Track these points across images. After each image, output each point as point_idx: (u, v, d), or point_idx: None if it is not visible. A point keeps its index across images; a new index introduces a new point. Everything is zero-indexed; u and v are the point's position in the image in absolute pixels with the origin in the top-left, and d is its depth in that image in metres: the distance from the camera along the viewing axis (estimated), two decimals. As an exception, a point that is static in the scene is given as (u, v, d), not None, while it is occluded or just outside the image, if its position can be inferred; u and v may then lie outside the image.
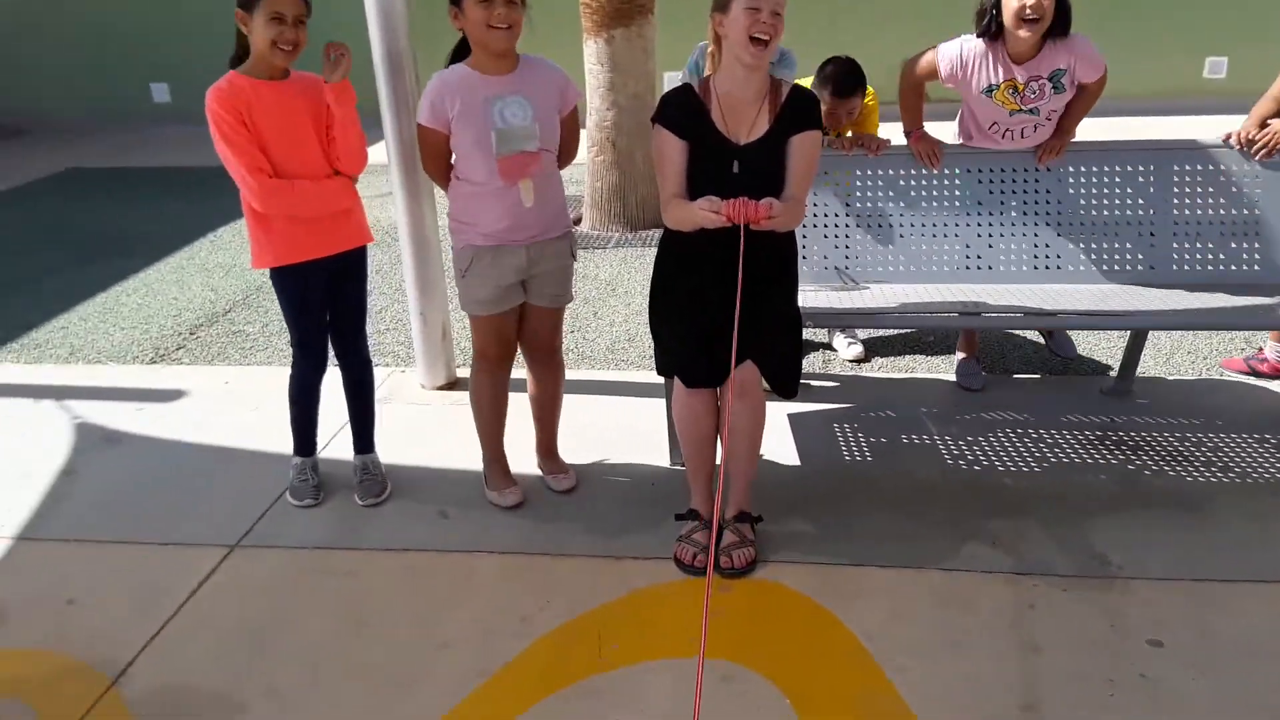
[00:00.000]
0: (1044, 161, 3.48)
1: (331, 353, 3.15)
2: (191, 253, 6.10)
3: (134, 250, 6.14)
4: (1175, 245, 3.51)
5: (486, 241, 2.90)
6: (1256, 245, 3.47)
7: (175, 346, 4.68)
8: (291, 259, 2.91)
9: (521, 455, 3.30)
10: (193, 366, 4.41)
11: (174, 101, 10.41)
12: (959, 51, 3.38)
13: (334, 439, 3.53)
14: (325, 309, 3.07)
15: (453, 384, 4.06)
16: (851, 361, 4.22)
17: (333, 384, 3.21)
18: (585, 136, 6.11)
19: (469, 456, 3.38)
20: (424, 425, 3.75)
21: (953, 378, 3.94)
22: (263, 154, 2.78)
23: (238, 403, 3.94)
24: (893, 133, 3.67)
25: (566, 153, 3.03)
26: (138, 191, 7.65)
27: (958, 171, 3.57)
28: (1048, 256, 3.57)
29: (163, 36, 10.11)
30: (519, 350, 3.16)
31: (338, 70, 2.80)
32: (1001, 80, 3.33)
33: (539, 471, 3.30)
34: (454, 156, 2.89)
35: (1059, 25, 3.22)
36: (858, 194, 3.62)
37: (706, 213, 2.49)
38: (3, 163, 9.01)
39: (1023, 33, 3.19)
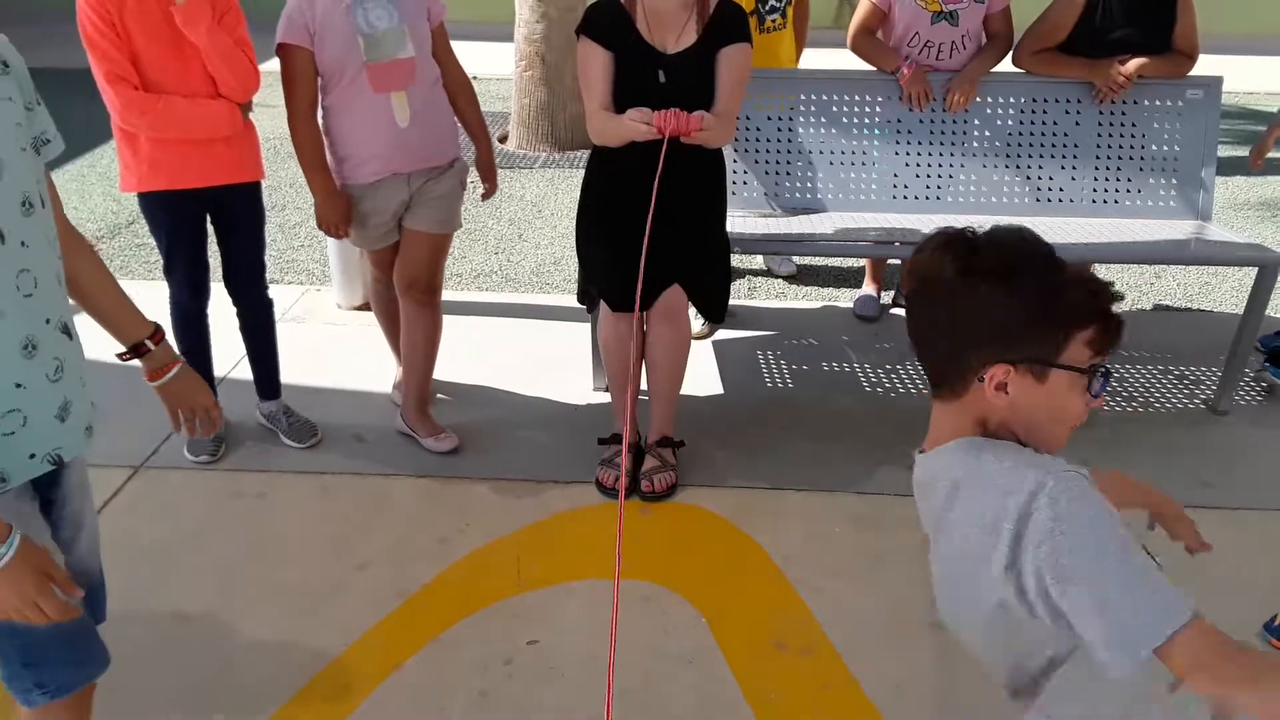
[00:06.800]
0: (954, 108, 3.48)
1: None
2: (93, 160, 5.77)
3: (29, 156, 5.78)
4: (1095, 178, 3.56)
5: (367, 177, 2.72)
6: (1174, 181, 3.54)
7: (75, 259, 4.44)
8: (157, 185, 2.61)
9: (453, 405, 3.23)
10: (94, 280, 4.20)
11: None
12: None
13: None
14: (201, 243, 2.79)
15: (370, 304, 3.94)
16: (784, 278, 4.29)
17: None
18: (513, 50, 5.92)
19: (386, 379, 3.31)
20: (339, 346, 3.65)
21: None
22: (131, 63, 2.47)
23: (143, 319, 3.77)
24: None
25: (454, 80, 2.81)
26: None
27: (890, 100, 3.54)
28: (973, 187, 3.59)
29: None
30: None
31: None
32: None
33: (411, 434, 3.01)
34: (320, 83, 2.67)
35: None
36: (789, 120, 3.58)
37: (636, 124, 2.43)
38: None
39: None
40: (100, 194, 5.25)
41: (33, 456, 1.40)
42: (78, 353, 1.47)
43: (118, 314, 1.60)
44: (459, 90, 2.86)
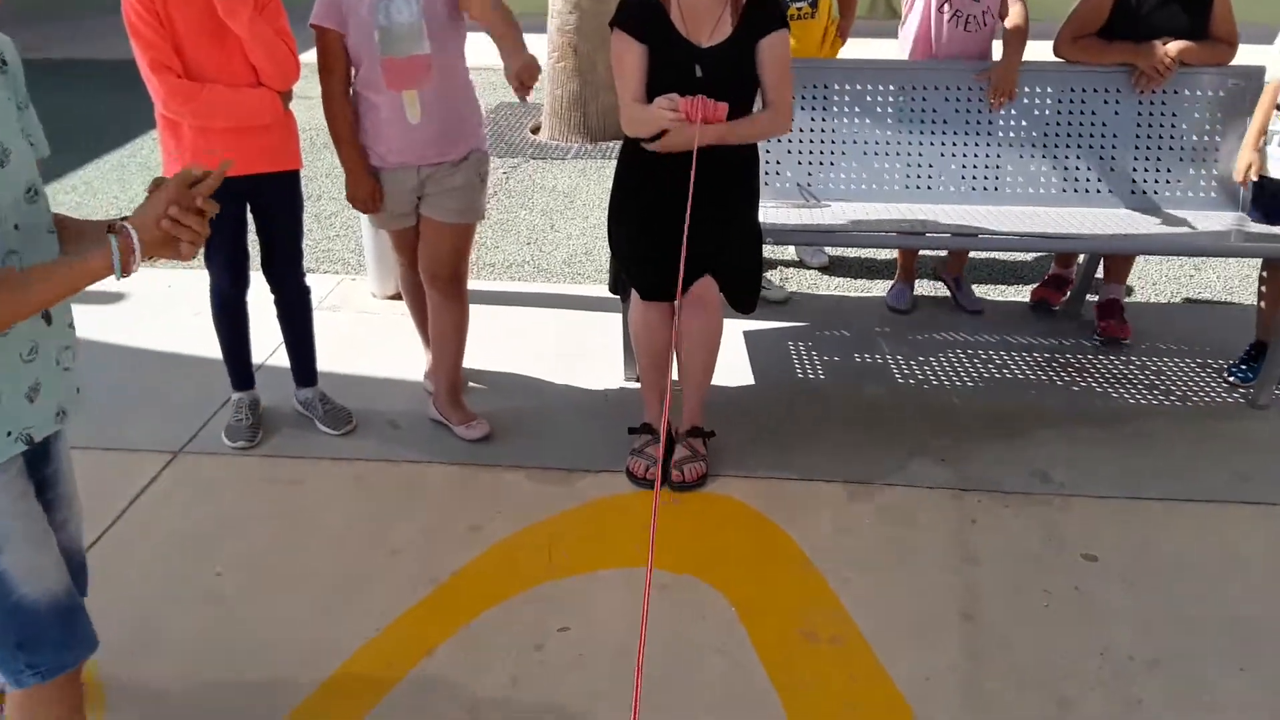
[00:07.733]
0: (998, 105, 3.45)
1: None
2: (133, 150, 5.86)
3: (72, 146, 5.88)
4: (1134, 169, 3.51)
5: (376, 160, 2.76)
6: (1214, 171, 3.48)
7: (116, 248, 4.52)
8: None
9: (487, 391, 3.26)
10: (135, 269, 4.27)
11: (113, -10, 9.89)
12: None
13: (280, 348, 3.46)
14: (241, 231, 2.84)
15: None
16: (816, 269, 4.26)
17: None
18: (545, 41, 5.92)
19: (420, 367, 3.34)
20: (374, 334, 3.68)
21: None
22: (174, 51, 2.54)
23: (181, 307, 3.83)
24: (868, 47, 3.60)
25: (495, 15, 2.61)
26: (76, 85, 7.30)
27: (925, 89, 3.51)
28: (1009, 178, 3.55)
29: (99, -81, 9.55)
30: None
31: None
32: None
33: (444, 421, 3.04)
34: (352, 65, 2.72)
35: None
36: (823, 110, 3.56)
37: (664, 111, 2.44)
38: (-71, 50, 8.52)
39: None
40: (140, 183, 5.33)
41: (9, 434, 1.45)
42: (58, 338, 1.52)
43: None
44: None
